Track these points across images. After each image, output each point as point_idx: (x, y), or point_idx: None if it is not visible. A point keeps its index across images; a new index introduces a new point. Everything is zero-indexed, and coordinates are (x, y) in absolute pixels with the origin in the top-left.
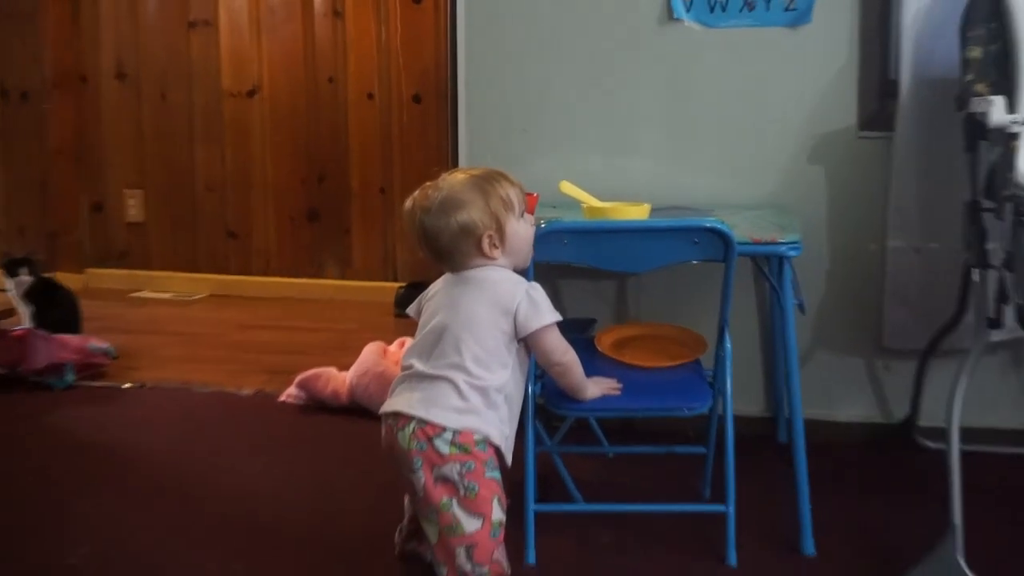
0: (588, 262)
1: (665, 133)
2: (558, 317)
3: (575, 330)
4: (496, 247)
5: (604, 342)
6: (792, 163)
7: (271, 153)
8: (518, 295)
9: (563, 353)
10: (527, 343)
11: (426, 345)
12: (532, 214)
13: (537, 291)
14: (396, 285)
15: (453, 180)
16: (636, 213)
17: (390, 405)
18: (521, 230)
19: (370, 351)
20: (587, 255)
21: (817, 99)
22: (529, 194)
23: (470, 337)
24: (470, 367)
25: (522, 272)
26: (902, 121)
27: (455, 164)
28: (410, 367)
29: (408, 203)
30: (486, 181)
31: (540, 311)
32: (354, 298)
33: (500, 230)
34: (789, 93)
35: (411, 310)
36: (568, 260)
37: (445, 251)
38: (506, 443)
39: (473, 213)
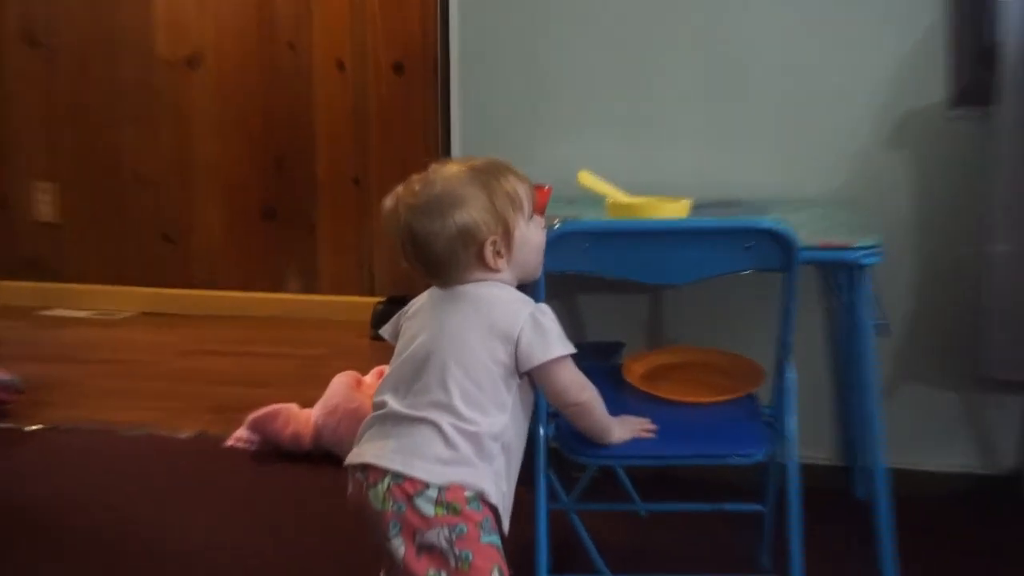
0: (613, 272)
1: (708, 111)
2: (571, 349)
3: (597, 357)
4: (501, 256)
5: (634, 372)
6: (867, 149)
7: (217, 136)
8: (521, 319)
9: (579, 392)
10: (533, 378)
11: (404, 377)
12: (543, 213)
13: (546, 315)
14: (374, 300)
15: (448, 173)
16: (673, 211)
17: (358, 455)
18: (530, 235)
19: (341, 383)
20: (612, 263)
21: (898, 69)
22: (539, 187)
23: (459, 369)
24: (459, 407)
25: (529, 288)
26: (1005, 95)
27: (446, 151)
28: (383, 405)
29: (390, 200)
30: (488, 174)
31: (548, 340)
32: (321, 316)
33: (506, 234)
34: (863, 62)
35: (386, 331)
36: (588, 270)
37: (438, 262)
38: (504, 502)
39: (475, 213)
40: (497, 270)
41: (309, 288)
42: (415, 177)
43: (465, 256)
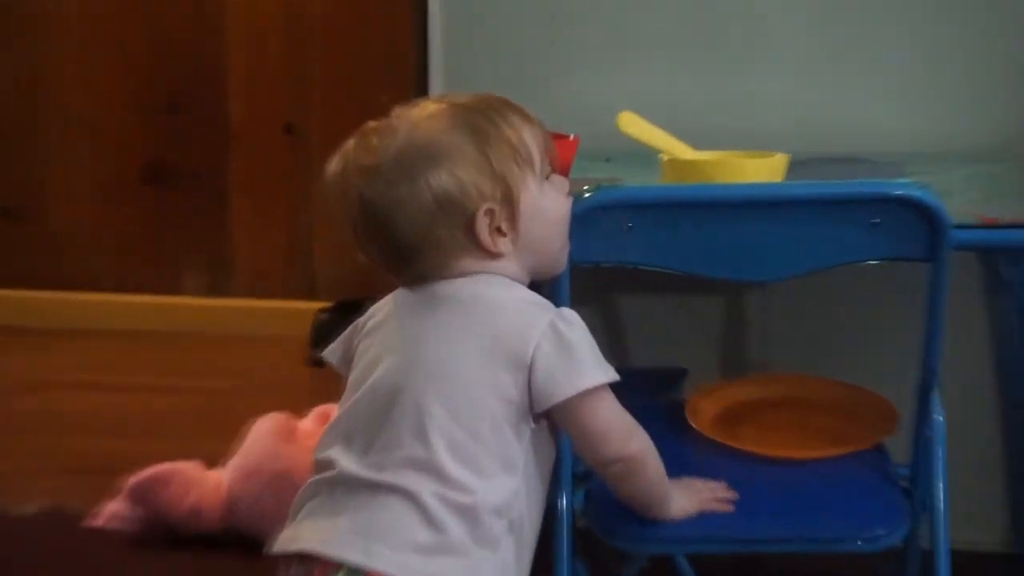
0: (671, 264)
1: (807, 24)
2: (612, 376)
3: (649, 390)
4: (502, 232)
5: (703, 413)
6: None
7: (81, 63)
8: (536, 332)
9: (623, 441)
10: (554, 421)
11: (362, 423)
12: (567, 173)
13: (572, 325)
14: (314, 307)
15: (419, 115)
16: (761, 171)
17: (294, 539)
18: (546, 202)
19: (264, 433)
20: (669, 251)
21: None
22: (559, 137)
23: (445, 410)
24: (446, 467)
25: (547, 288)
26: None
27: (421, 89)
28: (331, 465)
29: (336, 161)
30: (480, 114)
31: (578, 363)
32: (236, 331)
33: (509, 201)
34: None
35: (333, 353)
36: (633, 261)
37: (407, 247)
38: None
39: (460, 172)
40: (497, 254)
41: (217, 289)
42: (372, 125)
43: (447, 236)
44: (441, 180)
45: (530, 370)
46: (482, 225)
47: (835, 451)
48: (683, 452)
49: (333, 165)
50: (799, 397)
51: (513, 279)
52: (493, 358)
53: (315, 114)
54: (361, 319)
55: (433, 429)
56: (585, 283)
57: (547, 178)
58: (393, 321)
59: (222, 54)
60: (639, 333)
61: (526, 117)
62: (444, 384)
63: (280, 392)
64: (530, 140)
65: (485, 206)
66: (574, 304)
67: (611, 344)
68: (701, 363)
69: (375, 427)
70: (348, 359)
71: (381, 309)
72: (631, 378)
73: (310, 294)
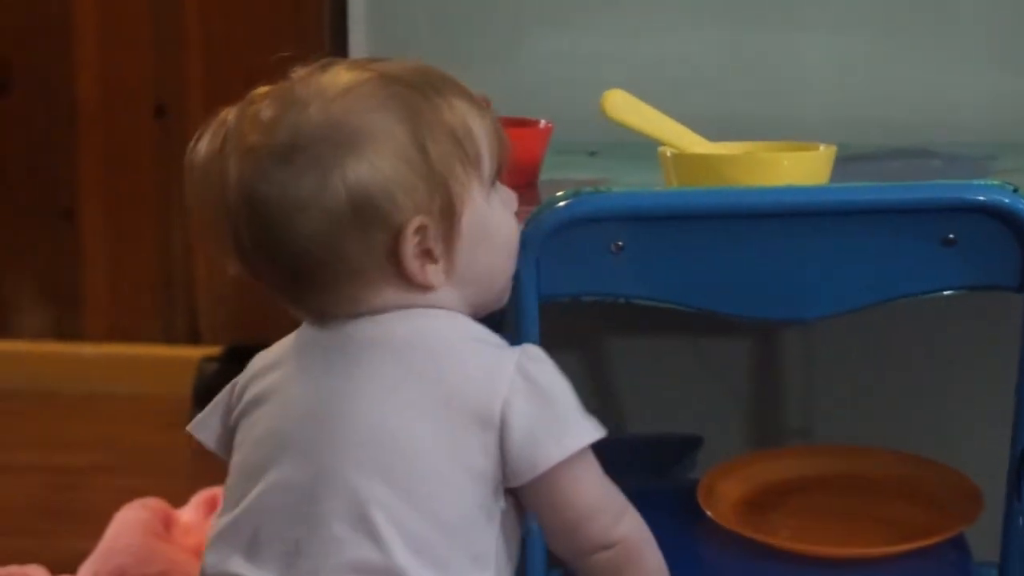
0: (678, 297)
1: None
2: (600, 429)
3: (652, 465)
4: (432, 259)
5: (724, 496)
6: None
7: None
8: (502, 378)
9: (614, 518)
10: (529, 501)
11: (275, 525)
12: (534, 174)
13: (543, 364)
14: (197, 355)
15: (336, 85)
16: (798, 168)
17: None
18: (495, 218)
19: (131, 526)
20: (675, 279)
21: None
22: (526, 123)
23: (393, 492)
24: (408, 570)
25: (492, 320)
26: None
27: (338, 55)
28: None
29: (210, 138)
30: (418, 93)
31: (562, 414)
32: (93, 387)
33: (448, 217)
34: None
35: (203, 427)
36: (626, 293)
37: (304, 264)
38: None
39: (387, 167)
40: (427, 287)
41: (64, 331)
42: (264, 91)
43: (361, 254)
44: (361, 175)
45: (502, 431)
46: (409, 245)
47: (899, 547)
48: (696, 549)
49: (205, 143)
50: (850, 475)
51: (449, 310)
52: (449, 416)
53: (195, 91)
54: (241, 377)
55: (382, 520)
56: (560, 324)
57: (493, 184)
58: (295, 378)
59: (67, 13)
60: (637, 390)
61: (473, 101)
62: (386, 456)
63: (152, 470)
64: (478, 132)
65: (417, 220)
66: (545, 351)
67: (598, 405)
68: (721, 430)
69: (297, 527)
70: (228, 435)
71: (273, 363)
72: (627, 449)
73: (192, 337)
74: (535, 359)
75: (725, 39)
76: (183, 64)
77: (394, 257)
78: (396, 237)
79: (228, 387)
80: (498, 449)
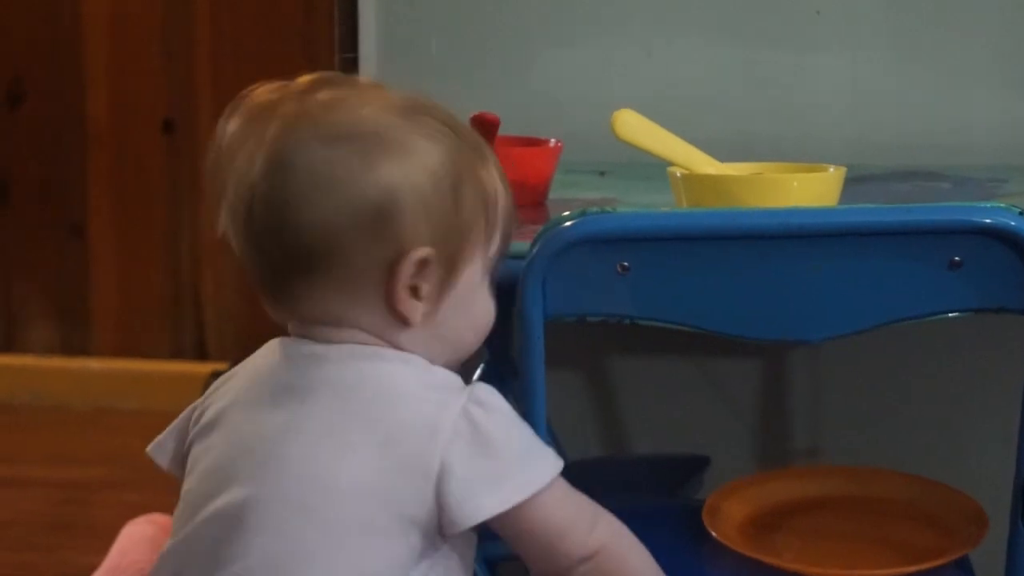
0: (684, 318)
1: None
2: (556, 464)
3: (657, 486)
4: (419, 296)
5: (730, 516)
6: None
7: None
8: (444, 424)
9: (586, 530)
10: (497, 530)
11: (198, 560)
12: (543, 195)
13: (491, 410)
14: (205, 371)
15: (396, 97)
16: (808, 190)
17: None
18: (480, 301)
19: (137, 540)
20: (682, 300)
21: None
22: (535, 142)
23: (320, 537)
24: None
25: (499, 341)
26: None
27: (349, 68)
28: None
29: (244, 111)
30: (467, 144)
31: (507, 464)
32: (99, 403)
33: (450, 267)
34: None
35: (160, 449)
36: (633, 314)
37: (305, 249)
38: None
39: (420, 184)
40: (403, 321)
41: (72, 346)
42: (324, 75)
43: (363, 261)
44: (399, 185)
45: (438, 481)
46: (406, 271)
47: (903, 569)
48: (700, 569)
49: (256, 96)
50: (856, 496)
51: (415, 359)
52: (385, 463)
53: (203, 107)
54: (201, 400)
55: (305, 563)
56: (567, 344)
57: (493, 264)
58: (243, 410)
59: (78, 29)
60: (642, 410)
61: (503, 175)
62: (315, 499)
63: (159, 485)
64: (502, 209)
65: (424, 251)
66: (550, 371)
67: (603, 425)
68: (727, 450)
69: (215, 559)
70: (182, 457)
71: (228, 389)
72: (632, 469)
73: (198, 353)
74: (481, 403)
75: (735, 60)
76: (192, 80)
77: (388, 276)
78: (398, 258)
79: (188, 409)
80: (434, 499)
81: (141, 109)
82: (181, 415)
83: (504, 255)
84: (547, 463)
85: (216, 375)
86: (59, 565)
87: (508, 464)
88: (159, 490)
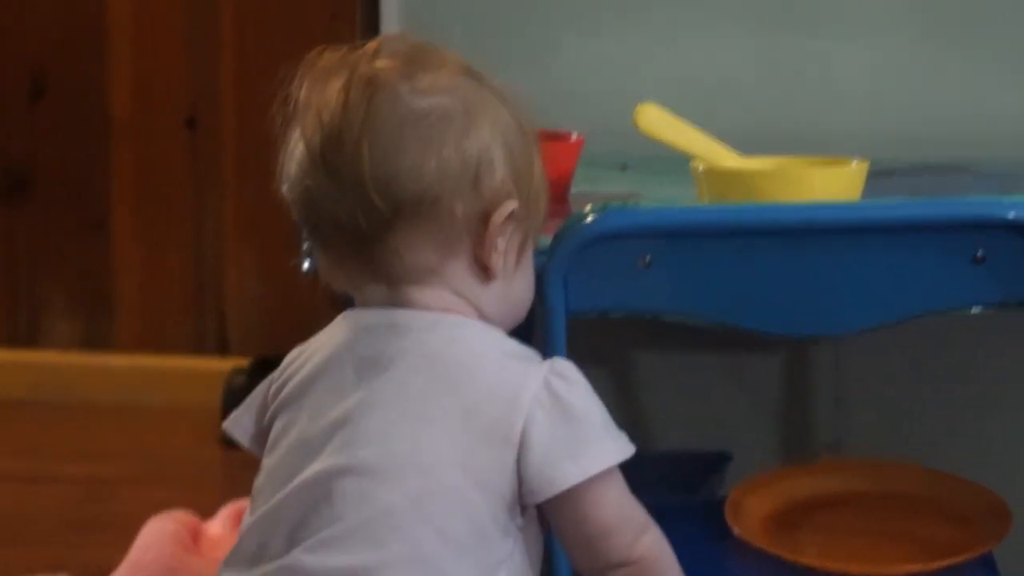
0: (707, 313)
1: None
2: (628, 448)
3: (679, 482)
4: (505, 251)
5: (752, 512)
6: None
7: None
8: (527, 394)
9: (634, 536)
10: (547, 513)
11: (284, 528)
12: (567, 187)
13: (572, 383)
14: (227, 366)
15: (458, 61)
16: (831, 184)
17: None
18: (528, 272)
19: (160, 537)
20: (705, 294)
21: None
22: (558, 136)
23: (407, 503)
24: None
25: (519, 335)
26: None
27: None
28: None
29: (360, 49)
30: (518, 112)
31: (586, 434)
32: (122, 398)
33: (528, 228)
34: None
35: (237, 425)
36: (656, 309)
37: (407, 191)
38: None
39: (517, 156)
40: (488, 273)
41: (95, 340)
42: (386, 39)
43: (464, 213)
44: (496, 142)
45: (520, 448)
46: (499, 218)
47: (926, 565)
48: (723, 565)
49: (327, 59)
50: (879, 492)
51: (487, 320)
52: (468, 430)
53: (227, 102)
54: (277, 374)
55: (390, 530)
56: (589, 339)
57: (538, 233)
58: (325, 384)
59: (102, 23)
60: (665, 405)
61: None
62: (399, 468)
63: (181, 482)
64: (545, 190)
65: (512, 204)
66: (581, 359)
67: (626, 421)
68: (749, 445)
69: (305, 526)
70: (262, 434)
71: (308, 359)
72: (655, 466)
73: (221, 348)
74: (562, 375)
75: (757, 52)
76: (216, 75)
77: (481, 228)
78: (492, 210)
79: (264, 384)
80: (515, 466)
81: (164, 104)
82: (256, 390)
83: (542, 226)
84: (623, 442)
85: (238, 372)
86: (82, 561)
87: (588, 434)
88: (182, 486)
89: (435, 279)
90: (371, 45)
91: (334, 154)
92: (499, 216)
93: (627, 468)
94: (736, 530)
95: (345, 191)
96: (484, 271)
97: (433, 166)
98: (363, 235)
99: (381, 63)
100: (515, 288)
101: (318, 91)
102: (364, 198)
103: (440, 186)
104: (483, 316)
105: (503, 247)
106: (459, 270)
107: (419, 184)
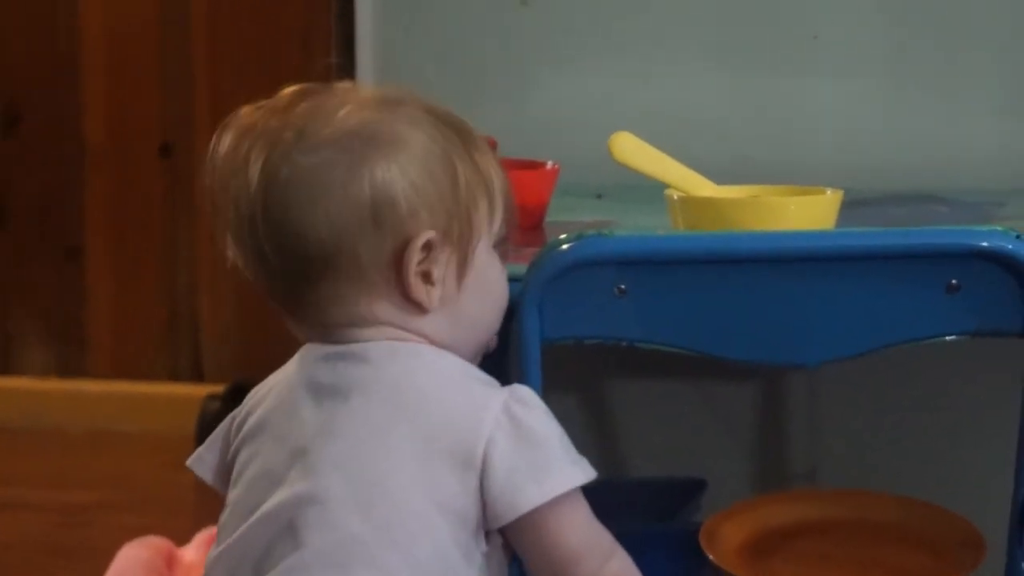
0: (681, 342)
1: (871, 14)
2: (590, 472)
3: (653, 509)
4: (431, 282)
5: (726, 540)
6: None
7: None
8: (487, 418)
9: (601, 561)
10: (511, 538)
11: (250, 561)
12: (540, 220)
13: (531, 407)
14: (201, 392)
15: (374, 96)
16: (805, 213)
17: None
18: (493, 274)
19: (134, 564)
20: (679, 323)
21: None
22: (532, 165)
23: (371, 530)
24: None
25: (494, 363)
26: None
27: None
28: None
29: (246, 114)
30: (455, 129)
31: (546, 457)
32: (96, 425)
33: (461, 247)
34: None
35: (200, 463)
36: (629, 337)
37: (314, 253)
38: None
39: (416, 177)
40: (421, 307)
41: (68, 367)
42: (304, 86)
43: (368, 256)
44: (390, 177)
45: (482, 472)
46: (413, 257)
47: None
48: None
49: (229, 137)
50: (854, 520)
51: (439, 346)
52: (430, 454)
53: (201, 130)
54: (239, 411)
55: (356, 557)
56: (564, 367)
57: (499, 242)
58: (287, 415)
59: (75, 51)
60: (639, 433)
61: (497, 162)
62: (365, 494)
63: (155, 508)
64: (498, 187)
65: (427, 235)
66: (548, 394)
67: (601, 448)
68: (724, 473)
69: (273, 554)
70: (226, 470)
71: (268, 395)
72: (630, 493)
73: (195, 375)
74: (522, 400)
75: (733, 83)
76: (190, 103)
77: (398, 266)
78: (402, 245)
79: (227, 420)
80: (478, 490)
81: (139, 132)
82: (219, 427)
83: (511, 229)
84: (584, 465)
85: (212, 398)
86: None
87: (550, 456)
88: (155, 513)
89: (372, 320)
90: (284, 97)
91: (240, 223)
92: (412, 251)
93: (601, 494)
94: (711, 557)
95: (257, 256)
96: (417, 307)
97: (322, 219)
98: (287, 295)
99: (279, 122)
100: (466, 311)
101: (227, 166)
102: (271, 263)
103: (336, 237)
104: (437, 344)
105: (439, 275)
106: (391, 309)
107: (313, 241)
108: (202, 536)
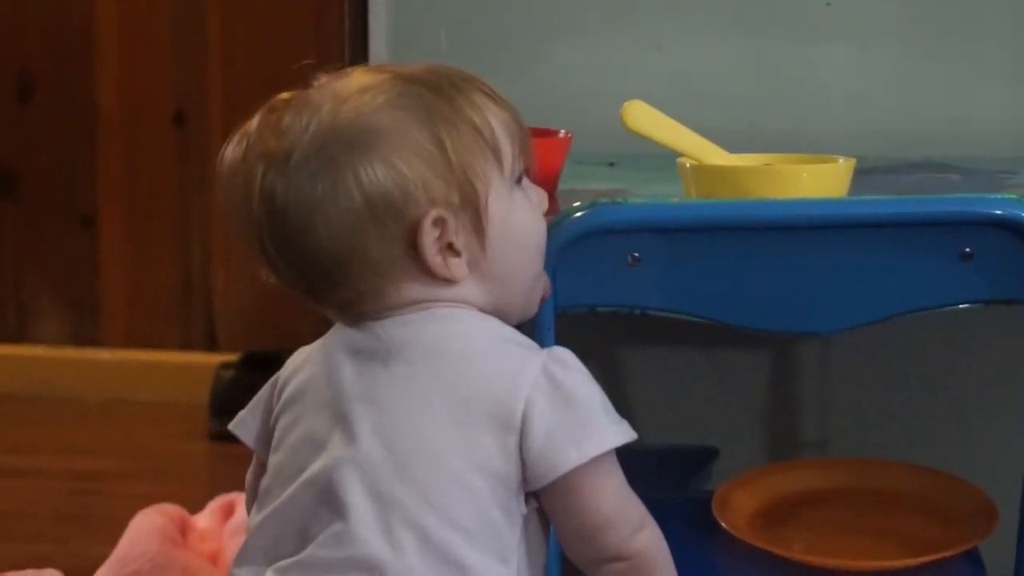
0: (694, 309)
1: None
2: (630, 433)
3: (667, 476)
4: (455, 252)
5: (739, 508)
6: None
7: None
8: (526, 379)
9: (632, 530)
10: (548, 503)
11: (295, 524)
12: (554, 184)
13: (570, 368)
14: (214, 361)
15: (350, 88)
16: (817, 181)
17: None
18: (519, 216)
19: (147, 532)
20: (692, 291)
21: None
22: (545, 133)
23: (412, 495)
24: (414, 571)
25: (524, 326)
26: None
27: (358, 61)
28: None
29: (235, 145)
30: (435, 91)
31: (586, 417)
32: (108, 393)
33: (471, 208)
34: None
35: (242, 426)
36: (643, 304)
37: (327, 262)
38: None
39: (401, 164)
40: (449, 280)
41: (82, 337)
42: (283, 98)
43: (380, 252)
44: (374, 173)
45: (521, 433)
46: (428, 239)
47: (913, 561)
48: (710, 560)
49: (231, 150)
50: (865, 488)
51: (476, 310)
52: (469, 418)
53: (215, 99)
54: (282, 373)
55: (398, 520)
56: (576, 334)
57: (518, 182)
58: (328, 380)
59: (88, 21)
60: (652, 401)
61: (493, 96)
62: (405, 458)
63: (169, 476)
64: (498, 127)
65: (434, 213)
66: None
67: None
68: (736, 441)
69: (316, 521)
70: (267, 434)
71: (309, 361)
72: (642, 460)
73: (209, 344)
74: (561, 362)
75: (745, 51)
76: (203, 72)
77: (414, 251)
78: (414, 231)
79: (268, 384)
80: (518, 451)
81: (152, 101)
82: (261, 391)
83: (527, 157)
84: (625, 426)
85: (226, 366)
86: (70, 556)
87: (589, 419)
88: (169, 481)
89: (406, 303)
90: (277, 103)
91: (250, 238)
92: (424, 233)
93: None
94: (724, 525)
95: (272, 267)
96: (447, 281)
97: (323, 234)
98: (309, 295)
99: (273, 137)
100: (499, 264)
101: (229, 194)
102: (287, 276)
103: (344, 246)
104: (481, 307)
105: (462, 242)
106: (421, 288)
107: (322, 255)
108: (215, 504)
